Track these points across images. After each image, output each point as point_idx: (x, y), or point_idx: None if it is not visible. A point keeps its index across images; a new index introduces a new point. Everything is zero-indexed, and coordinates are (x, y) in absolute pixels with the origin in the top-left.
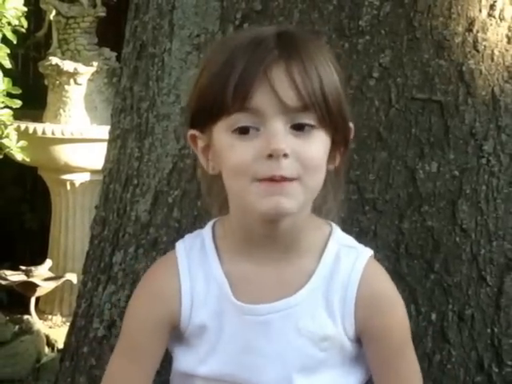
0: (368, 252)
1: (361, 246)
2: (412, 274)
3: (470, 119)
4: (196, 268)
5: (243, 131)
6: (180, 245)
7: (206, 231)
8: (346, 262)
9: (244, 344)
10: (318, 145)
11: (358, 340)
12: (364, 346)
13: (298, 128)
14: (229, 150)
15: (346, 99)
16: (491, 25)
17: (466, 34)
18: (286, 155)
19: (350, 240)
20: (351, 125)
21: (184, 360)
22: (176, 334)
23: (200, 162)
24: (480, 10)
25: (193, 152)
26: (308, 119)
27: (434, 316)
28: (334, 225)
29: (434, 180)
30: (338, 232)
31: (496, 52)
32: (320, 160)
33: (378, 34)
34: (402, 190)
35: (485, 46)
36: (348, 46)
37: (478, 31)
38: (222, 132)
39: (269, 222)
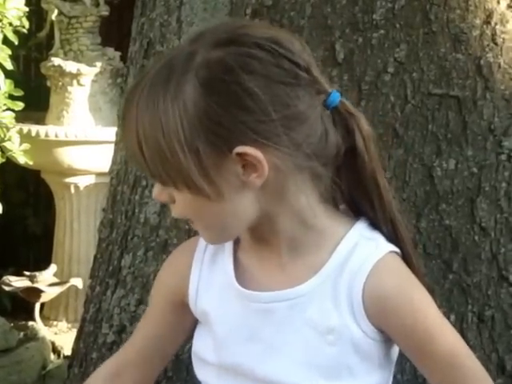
0: (389, 247)
1: (384, 241)
2: (430, 274)
3: (488, 114)
4: (211, 252)
5: None
6: None
7: None
8: (361, 251)
9: (250, 333)
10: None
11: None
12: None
13: None
14: None
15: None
16: (510, 17)
17: (484, 26)
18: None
19: (374, 234)
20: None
21: (195, 344)
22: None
23: None
24: (498, 2)
25: None
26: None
27: (452, 317)
28: (362, 220)
29: (452, 177)
30: (363, 225)
31: None
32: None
33: (392, 28)
34: (419, 188)
35: (504, 39)
36: (362, 40)
37: (496, 24)
38: None
39: (249, 229)
